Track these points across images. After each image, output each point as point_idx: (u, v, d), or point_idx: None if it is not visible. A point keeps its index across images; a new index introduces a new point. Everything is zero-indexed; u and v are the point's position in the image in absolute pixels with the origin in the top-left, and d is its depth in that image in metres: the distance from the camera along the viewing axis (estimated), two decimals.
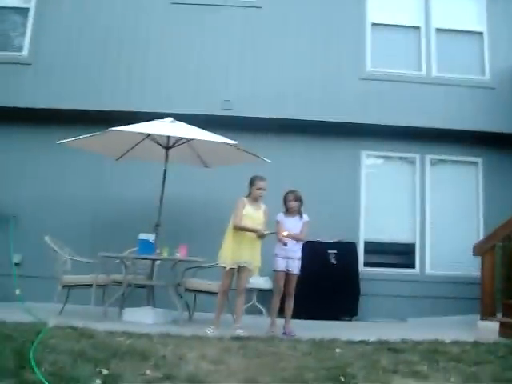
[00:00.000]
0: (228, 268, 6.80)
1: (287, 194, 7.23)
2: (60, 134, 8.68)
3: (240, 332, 6.32)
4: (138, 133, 7.94)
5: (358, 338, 5.76)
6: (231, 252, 6.79)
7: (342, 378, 4.26)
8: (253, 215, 6.92)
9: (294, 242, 7.07)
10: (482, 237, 9.84)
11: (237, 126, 9.64)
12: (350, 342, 5.59)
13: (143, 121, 7.96)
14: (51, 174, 10.17)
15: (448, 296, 9.78)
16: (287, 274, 7.06)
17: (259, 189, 6.98)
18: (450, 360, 4.94)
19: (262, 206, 7.09)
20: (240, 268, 6.86)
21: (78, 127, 9.29)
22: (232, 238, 6.85)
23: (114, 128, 7.51)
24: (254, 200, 7.02)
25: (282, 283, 7.05)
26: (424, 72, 10.61)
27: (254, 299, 9.40)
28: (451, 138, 10.38)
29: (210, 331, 6.41)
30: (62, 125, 9.78)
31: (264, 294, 9.21)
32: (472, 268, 9.42)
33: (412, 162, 10.72)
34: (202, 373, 4.26)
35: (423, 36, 10.75)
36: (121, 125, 7.60)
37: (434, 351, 5.24)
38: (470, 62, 10.80)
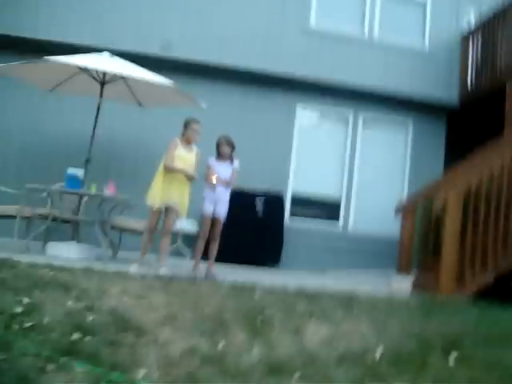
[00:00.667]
0: (156, 207, 6.81)
1: (220, 138, 7.25)
2: None
3: (163, 271, 6.41)
4: (74, 65, 7.73)
5: (278, 284, 5.91)
6: (160, 192, 6.79)
7: (259, 320, 4.42)
8: (185, 157, 6.92)
9: (223, 187, 7.14)
10: (405, 197, 10.18)
11: (175, 68, 9.57)
12: (270, 288, 5.74)
13: (80, 53, 7.79)
14: None
15: (367, 251, 10.14)
16: (213, 218, 7.14)
17: (193, 130, 6.98)
18: (362, 309, 5.15)
19: (195, 149, 7.10)
20: (168, 208, 6.87)
21: (10, 54, 8.96)
22: (162, 178, 6.84)
23: (48, 57, 7.29)
24: (187, 142, 7.02)
25: (208, 227, 7.13)
26: (366, 33, 10.77)
27: (179, 242, 9.47)
28: (386, 99, 10.63)
29: (133, 268, 6.45)
30: None
31: (189, 238, 9.31)
32: (393, 227, 9.74)
33: (345, 118, 10.92)
34: (123, 306, 4.32)
35: None
36: (56, 55, 7.41)
37: (348, 300, 5.44)
38: (411, 29, 11.07)
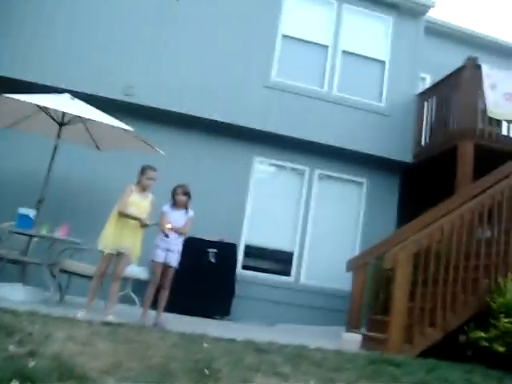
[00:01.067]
0: (106, 252, 6.72)
1: (176, 187, 7.24)
2: None
3: (111, 318, 6.26)
4: (34, 104, 7.68)
5: (226, 336, 5.85)
6: (112, 237, 6.71)
7: (207, 371, 4.35)
8: (139, 203, 6.88)
9: (176, 235, 7.10)
10: (357, 253, 10.26)
11: (135, 113, 9.60)
12: (218, 339, 5.68)
13: (41, 93, 7.75)
14: None
15: (318, 306, 10.17)
16: (165, 266, 7.07)
17: (149, 179, 6.96)
18: (311, 364, 5.13)
19: (149, 196, 7.07)
20: (119, 254, 6.79)
21: None
22: (115, 223, 6.78)
23: (8, 94, 7.24)
24: (142, 189, 6.99)
25: (159, 274, 7.04)
26: (325, 89, 11.02)
27: (129, 288, 9.33)
28: (341, 156, 10.85)
29: (80, 314, 6.30)
30: None
31: (139, 284, 9.16)
32: (345, 282, 9.80)
33: (301, 173, 11.05)
34: (67, 352, 4.21)
35: (330, 55, 11.21)
36: (17, 93, 7.35)
37: (297, 355, 5.42)
38: (369, 87, 11.36)
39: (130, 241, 6.82)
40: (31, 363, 3.85)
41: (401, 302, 7.33)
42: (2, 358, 3.85)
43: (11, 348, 4.09)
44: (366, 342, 7.53)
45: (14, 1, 9.85)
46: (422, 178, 11.10)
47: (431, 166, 10.68)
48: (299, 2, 11.29)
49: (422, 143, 11.06)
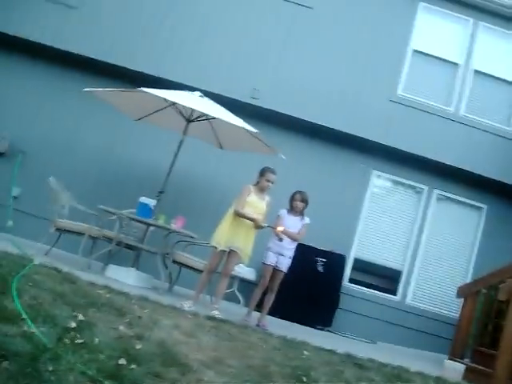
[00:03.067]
0: (219, 249, 6.86)
1: (295, 193, 7.29)
2: (84, 81, 8.79)
3: (216, 313, 6.39)
4: (165, 99, 7.96)
5: (327, 347, 5.83)
6: (226, 235, 6.84)
7: (305, 379, 4.35)
8: (256, 204, 6.96)
9: (290, 240, 7.15)
10: (469, 280, 9.90)
11: (259, 117, 9.70)
12: (319, 349, 5.67)
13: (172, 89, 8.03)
14: (68, 119, 10.21)
15: (422, 330, 9.93)
16: (275, 269, 7.14)
17: (268, 181, 7.02)
18: None
19: (267, 198, 7.13)
20: (230, 252, 6.91)
21: (104, 79, 9.40)
22: (230, 222, 6.89)
23: (143, 88, 7.56)
24: (261, 190, 7.07)
25: (268, 277, 7.13)
26: (452, 108, 10.70)
27: (236, 287, 9.48)
28: (462, 178, 10.48)
29: (187, 305, 6.48)
30: (89, 74, 9.86)
31: (246, 285, 9.32)
32: (452, 309, 9.51)
33: (419, 192, 10.80)
34: (172, 340, 4.35)
35: (460, 73, 10.85)
36: (148, 88, 7.68)
37: (397, 376, 5.31)
38: (498, 109, 10.90)
39: (243, 240, 6.92)
40: (138, 345, 4.01)
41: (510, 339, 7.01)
42: (113, 337, 4.04)
43: (121, 328, 4.28)
44: (469, 373, 7.24)
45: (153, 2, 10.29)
46: None
47: None
48: (433, 17, 10.98)
49: None
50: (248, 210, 6.91)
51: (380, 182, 10.95)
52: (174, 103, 8.24)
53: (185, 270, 8.33)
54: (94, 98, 8.63)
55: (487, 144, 10.53)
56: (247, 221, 6.92)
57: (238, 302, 9.34)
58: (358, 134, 10.17)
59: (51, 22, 9.89)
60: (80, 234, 7.96)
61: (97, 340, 3.85)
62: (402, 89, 10.63)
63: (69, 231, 8.07)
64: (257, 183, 7.10)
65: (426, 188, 10.78)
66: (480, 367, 7.54)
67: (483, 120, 10.64)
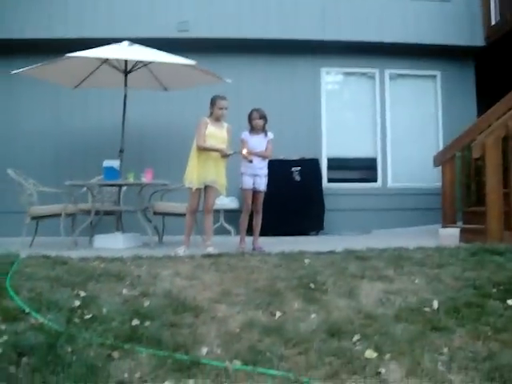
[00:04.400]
0: (195, 188, 6.83)
1: (252, 112, 7.24)
2: (12, 65, 8.46)
3: (210, 250, 6.44)
4: (95, 58, 7.75)
5: (325, 250, 5.92)
6: (197, 172, 6.79)
7: (312, 285, 4.44)
8: (216, 134, 6.90)
9: (260, 159, 7.15)
10: (441, 148, 10.02)
11: (194, 48, 9.45)
12: (318, 253, 5.75)
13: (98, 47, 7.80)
14: (8, 107, 9.96)
15: (410, 207, 10.07)
16: (254, 191, 7.17)
17: (221, 108, 6.94)
18: (414, 264, 5.14)
19: (225, 125, 7.07)
20: (207, 188, 6.90)
21: (30, 58, 8.97)
22: (197, 159, 6.85)
23: (69, 54, 7.31)
24: (216, 119, 6.99)
25: (249, 201, 7.17)
26: None
27: (222, 219, 9.53)
28: (409, 52, 10.39)
29: (181, 251, 6.52)
30: (13, 56, 9.47)
31: (231, 214, 9.35)
32: (432, 179, 9.65)
33: (371, 77, 10.77)
34: (177, 288, 4.39)
35: None
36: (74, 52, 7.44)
37: (398, 257, 5.43)
38: None
39: (215, 173, 6.89)
40: (146, 303, 4.05)
41: (495, 189, 7.18)
42: (119, 302, 4.08)
43: (124, 291, 4.32)
44: (465, 234, 7.44)
45: None
46: (498, 60, 10.47)
47: (507, 45, 9.95)
48: None
49: (493, 22, 10.30)
50: (210, 142, 6.86)
51: (331, 77, 10.88)
52: (105, 59, 8.04)
53: (168, 218, 8.34)
54: (28, 81, 8.37)
55: (425, 12, 10.38)
56: (213, 153, 6.88)
57: (229, 233, 9.40)
58: (295, 38, 10.00)
59: None
60: (56, 215, 7.86)
61: (104, 310, 3.89)
62: None
63: (45, 216, 7.96)
64: (211, 114, 7.01)
65: (376, 71, 10.72)
66: (473, 226, 7.75)
67: None
